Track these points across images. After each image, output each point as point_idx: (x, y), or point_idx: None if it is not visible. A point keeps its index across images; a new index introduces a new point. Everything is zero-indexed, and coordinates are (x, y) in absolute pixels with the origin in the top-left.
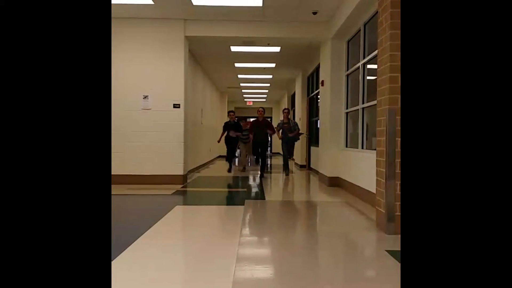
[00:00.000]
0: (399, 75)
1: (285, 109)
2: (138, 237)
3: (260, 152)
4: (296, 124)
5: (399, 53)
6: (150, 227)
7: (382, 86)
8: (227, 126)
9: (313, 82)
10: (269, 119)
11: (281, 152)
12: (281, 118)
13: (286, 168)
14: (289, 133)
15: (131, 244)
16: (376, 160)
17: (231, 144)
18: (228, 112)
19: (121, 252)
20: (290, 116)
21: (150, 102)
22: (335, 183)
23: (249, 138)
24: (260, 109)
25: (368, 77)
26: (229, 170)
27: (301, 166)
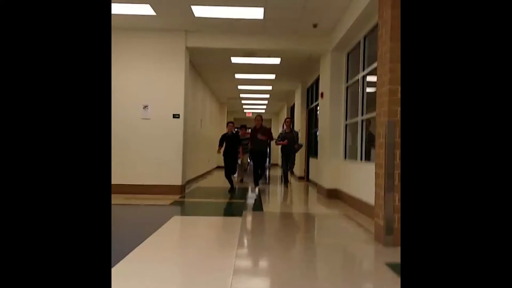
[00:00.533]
0: (399, 87)
1: (287, 118)
2: (135, 248)
3: (258, 161)
4: (297, 134)
5: (399, 65)
6: (147, 237)
7: (381, 99)
8: (224, 139)
9: (312, 93)
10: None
11: (279, 163)
12: (282, 128)
13: (285, 180)
14: (295, 146)
15: (127, 254)
16: (375, 172)
17: (230, 157)
18: (227, 123)
19: (117, 263)
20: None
21: (149, 112)
22: (334, 195)
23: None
24: (258, 116)
25: (368, 89)
26: (232, 189)
27: (300, 178)
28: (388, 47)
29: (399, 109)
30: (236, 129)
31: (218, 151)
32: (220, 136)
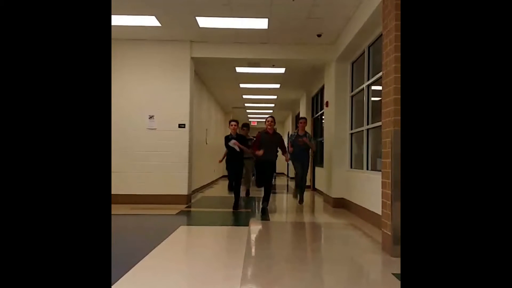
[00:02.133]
0: None
1: (302, 118)
2: (142, 258)
3: (266, 175)
4: (313, 138)
5: None
6: (155, 247)
7: (387, 108)
8: (227, 142)
9: (317, 102)
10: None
11: (285, 173)
12: (293, 131)
13: (300, 193)
14: (311, 149)
15: (135, 265)
16: (382, 181)
17: (235, 165)
18: (229, 122)
19: (124, 274)
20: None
21: (155, 122)
22: (340, 204)
23: (253, 154)
24: (269, 118)
25: (373, 98)
26: (236, 204)
27: (306, 187)
28: (393, 57)
29: None
30: (244, 128)
31: (221, 160)
32: (223, 140)
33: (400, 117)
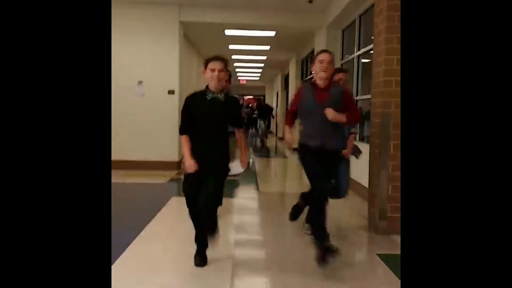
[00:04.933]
0: (393, 79)
1: (339, 70)
2: (137, 236)
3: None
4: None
5: (394, 57)
6: (147, 223)
7: (376, 89)
8: (190, 107)
9: (307, 65)
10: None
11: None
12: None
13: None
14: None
15: (125, 251)
16: (369, 161)
17: (209, 164)
18: (206, 62)
19: (120, 255)
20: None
21: (144, 88)
22: None
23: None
24: (326, 55)
25: (363, 60)
26: (201, 260)
27: (295, 150)
28: (384, 38)
29: (393, 100)
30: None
31: (185, 169)
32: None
33: (388, 99)
